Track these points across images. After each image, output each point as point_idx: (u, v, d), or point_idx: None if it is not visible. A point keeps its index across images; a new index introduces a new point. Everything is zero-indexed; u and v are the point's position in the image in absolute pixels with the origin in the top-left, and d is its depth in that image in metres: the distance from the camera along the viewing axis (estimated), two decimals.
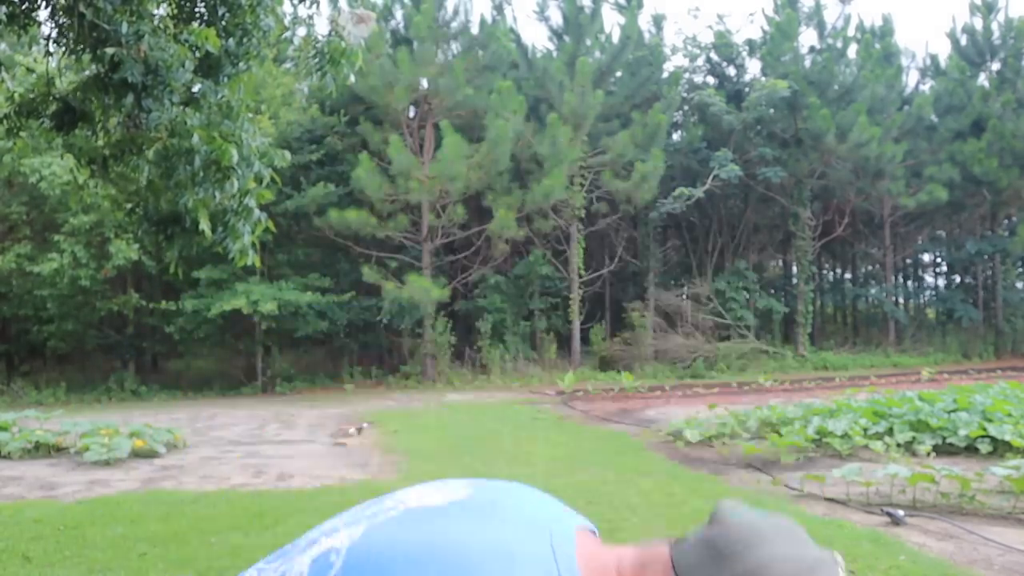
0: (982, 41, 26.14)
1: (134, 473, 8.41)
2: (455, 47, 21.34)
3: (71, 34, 4.87)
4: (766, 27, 25.40)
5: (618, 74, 23.19)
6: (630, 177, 20.93)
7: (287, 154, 6.40)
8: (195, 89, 5.24)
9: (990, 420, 8.62)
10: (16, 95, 5.54)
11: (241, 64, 5.38)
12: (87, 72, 5.23)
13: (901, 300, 30.09)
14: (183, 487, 7.63)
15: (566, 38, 22.25)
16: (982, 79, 26.23)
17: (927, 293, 32.35)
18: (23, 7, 5.08)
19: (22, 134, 5.53)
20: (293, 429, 12.16)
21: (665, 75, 23.87)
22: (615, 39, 22.73)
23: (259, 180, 5.69)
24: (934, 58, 28.43)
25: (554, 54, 22.59)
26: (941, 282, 32.18)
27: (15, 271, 18.19)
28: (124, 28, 4.44)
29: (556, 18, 23.25)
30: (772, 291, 26.64)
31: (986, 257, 26.46)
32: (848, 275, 32.07)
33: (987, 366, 22.17)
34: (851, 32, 25.47)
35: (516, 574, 0.80)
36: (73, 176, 6.36)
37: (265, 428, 12.33)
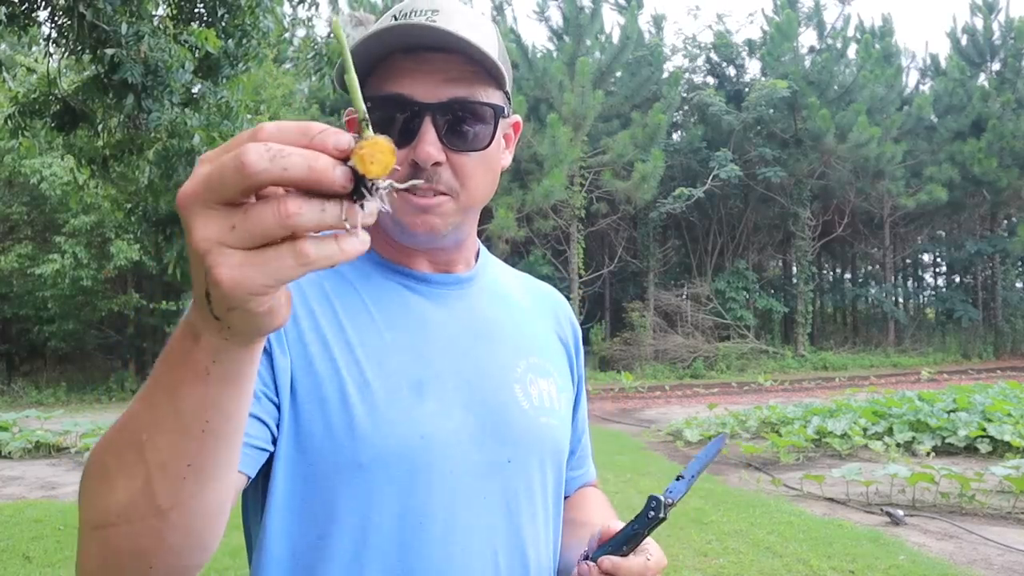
0: (982, 41, 26.15)
1: None
2: None
3: (71, 35, 4.88)
4: (766, 27, 25.44)
5: (618, 74, 23.20)
6: (630, 177, 20.93)
7: None
8: (195, 90, 5.25)
9: (990, 420, 8.62)
10: (19, 96, 5.55)
11: (240, 65, 5.40)
12: (87, 73, 5.24)
13: (901, 300, 30.10)
14: None
15: (566, 38, 22.25)
16: (982, 79, 26.24)
17: (927, 293, 32.36)
18: (23, 7, 5.09)
19: (26, 134, 5.54)
20: None
21: (665, 75, 23.87)
22: (615, 39, 22.73)
23: None
24: (934, 58, 28.48)
25: (554, 54, 22.60)
26: (941, 282, 32.20)
27: (16, 271, 18.21)
28: (124, 29, 4.45)
29: (556, 18, 23.29)
30: (772, 291, 26.64)
31: (986, 257, 26.47)
32: (848, 275, 32.08)
33: (987, 366, 22.17)
34: (851, 32, 25.51)
35: None
36: (74, 176, 6.37)
37: None
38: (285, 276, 0.47)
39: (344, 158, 0.47)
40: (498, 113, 0.88)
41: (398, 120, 0.84)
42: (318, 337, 0.86)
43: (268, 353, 0.83)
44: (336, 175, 0.46)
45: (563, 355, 1.07)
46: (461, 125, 0.85)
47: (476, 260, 1.03)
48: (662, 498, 0.88)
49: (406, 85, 0.84)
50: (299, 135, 0.47)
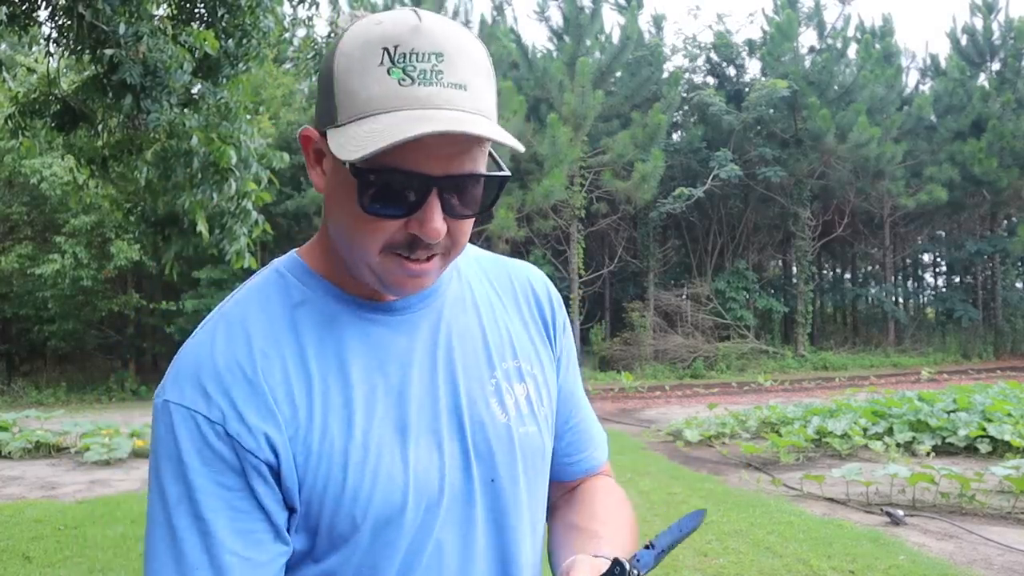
0: (982, 41, 26.14)
1: (135, 473, 8.42)
2: None
3: (71, 35, 4.87)
4: (766, 27, 25.43)
5: (618, 74, 23.19)
6: (630, 177, 20.93)
7: (286, 156, 6.42)
8: (194, 90, 5.25)
9: (990, 420, 8.62)
10: (19, 96, 5.55)
11: (240, 65, 5.40)
12: (87, 73, 5.24)
13: (901, 300, 30.09)
14: None
15: (566, 38, 22.25)
16: (982, 79, 26.23)
17: (927, 293, 32.36)
18: (23, 7, 5.09)
19: (26, 134, 5.54)
20: None
21: (665, 75, 23.87)
22: (615, 39, 22.74)
23: (257, 182, 5.71)
24: (934, 58, 28.47)
25: (554, 54, 22.60)
26: (941, 282, 32.20)
27: (16, 271, 18.21)
28: (122, 29, 4.45)
29: (556, 18, 23.30)
30: (772, 291, 26.64)
31: (986, 257, 26.46)
32: (848, 275, 32.08)
33: (987, 366, 22.17)
34: (851, 32, 25.50)
35: None
36: (73, 177, 6.37)
37: None
38: None
39: None
40: (501, 184, 0.85)
41: (401, 193, 0.80)
42: (308, 414, 0.84)
43: (276, 472, 0.82)
44: None
45: (539, 335, 1.04)
46: (464, 195, 0.82)
47: None
48: (627, 565, 0.82)
49: (411, 159, 0.78)
50: None
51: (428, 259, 0.84)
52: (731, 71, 26.89)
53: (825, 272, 31.38)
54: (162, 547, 0.80)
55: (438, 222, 0.80)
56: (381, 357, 0.89)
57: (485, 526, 0.91)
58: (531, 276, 1.08)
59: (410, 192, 0.80)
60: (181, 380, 0.83)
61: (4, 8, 4.80)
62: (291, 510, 0.84)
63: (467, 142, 0.79)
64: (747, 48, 26.25)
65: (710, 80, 26.51)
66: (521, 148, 0.82)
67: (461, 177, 0.81)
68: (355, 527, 0.84)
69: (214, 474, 0.80)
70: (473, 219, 0.87)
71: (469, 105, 0.78)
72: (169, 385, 0.83)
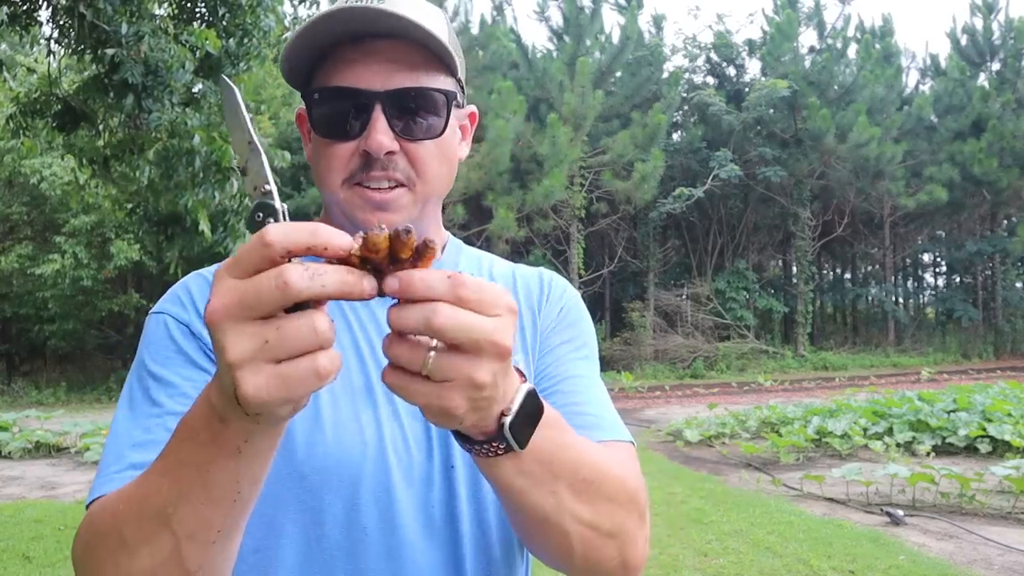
0: (982, 41, 26.16)
1: None
2: None
3: (72, 34, 4.88)
4: (766, 27, 25.44)
5: (618, 74, 23.20)
6: (630, 177, 20.94)
7: (287, 155, 6.43)
8: (195, 89, 5.25)
9: (990, 420, 8.62)
10: (20, 96, 5.56)
11: (241, 64, 5.40)
12: (88, 73, 5.24)
13: (901, 300, 30.10)
14: None
15: (566, 38, 22.26)
16: (982, 79, 26.25)
17: (927, 293, 32.37)
18: (24, 7, 5.09)
19: (27, 134, 5.55)
20: None
21: (665, 75, 23.88)
22: (615, 39, 22.75)
23: None
24: (934, 58, 28.50)
25: (554, 54, 22.60)
26: (941, 282, 32.21)
27: (16, 271, 18.22)
28: (124, 29, 4.45)
29: (556, 18, 23.33)
30: (772, 291, 26.63)
31: (986, 257, 26.47)
32: (848, 275, 32.07)
33: (987, 366, 22.17)
34: (851, 32, 25.53)
35: None
36: (74, 176, 6.38)
37: None
38: (308, 390, 0.52)
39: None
40: (450, 99, 0.86)
41: (348, 112, 0.83)
42: None
43: None
44: (364, 286, 0.52)
45: (531, 324, 0.98)
46: (413, 114, 0.84)
47: (442, 254, 0.99)
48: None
49: (353, 76, 0.82)
50: (309, 236, 0.51)
51: (390, 189, 0.85)
52: (731, 71, 26.91)
53: (825, 272, 31.38)
54: (119, 418, 0.84)
55: (382, 134, 0.82)
56: (354, 319, 0.91)
57: (442, 510, 0.87)
58: (540, 272, 1.07)
59: (357, 110, 0.83)
60: (165, 297, 0.93)
61: (5, 8, 4.81)
62: None
63: (409, 57, 0.83)
64: (747, 48, 26.28)
65: (710, 80, 26.52)
66: (445, 40, 0.84)
67: (403, 92, 0.83)
68: (299, 472, 0.82)
69: (175, 366, 0.84)
70: (435, 146, 0.86)
71: (404, 23, 0.81)
72: (158, 303, 0.93)
